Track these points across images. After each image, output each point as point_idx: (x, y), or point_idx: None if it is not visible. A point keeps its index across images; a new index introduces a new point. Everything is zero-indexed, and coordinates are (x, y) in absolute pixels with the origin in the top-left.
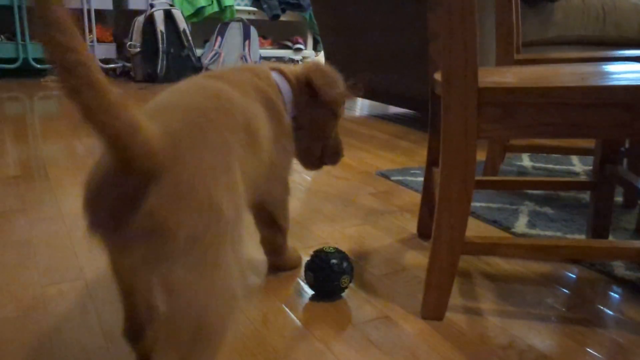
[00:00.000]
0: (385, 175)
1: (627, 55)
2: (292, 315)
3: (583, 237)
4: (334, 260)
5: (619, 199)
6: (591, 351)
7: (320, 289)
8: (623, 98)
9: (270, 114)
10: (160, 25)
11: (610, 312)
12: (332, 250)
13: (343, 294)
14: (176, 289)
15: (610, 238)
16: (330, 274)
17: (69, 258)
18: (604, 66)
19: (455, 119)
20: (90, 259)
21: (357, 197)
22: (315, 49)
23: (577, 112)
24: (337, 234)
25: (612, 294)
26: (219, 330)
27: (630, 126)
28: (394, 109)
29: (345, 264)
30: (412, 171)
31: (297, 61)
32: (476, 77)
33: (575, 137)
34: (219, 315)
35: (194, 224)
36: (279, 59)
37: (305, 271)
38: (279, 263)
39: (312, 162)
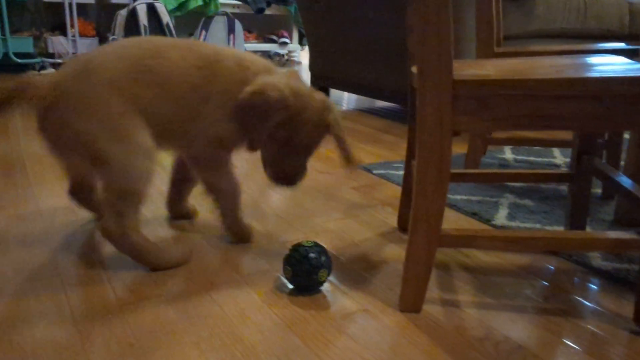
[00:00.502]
0: (367, 169)
1: (606, 48)
2: (270, 311)
3: (562, 228)
4: (312, 254)
5: (598, 190)
6: (567, 342)
7: (298, 282)
8: (595, 90)
9: (208, 82)
10: (143, 19)
11: (587, 303)
12: (311, 244)
13: (322, 288)
14: (103, 175)
15: (588, 229)
16: (308, 268)
17: (45, 254)
18: (582, 59)
19: (430, 112)
20: (67, 255)
21: (339, 191)
22: (300, 42)
23: (551, 104)
24: (318, 229)
25: (589, 284)
26: (135, 191)
27: (603, 118)
28: (380, 103)
29: (323, 258)
30: (394, 165)
31: (283, 55)
32: (450, 69)
33: (549, 129)
34: (131, 182)
35: (84, 132)
36: (265, 53)
37: (284, 265)
38: (225, 230)
39: (278, 175)
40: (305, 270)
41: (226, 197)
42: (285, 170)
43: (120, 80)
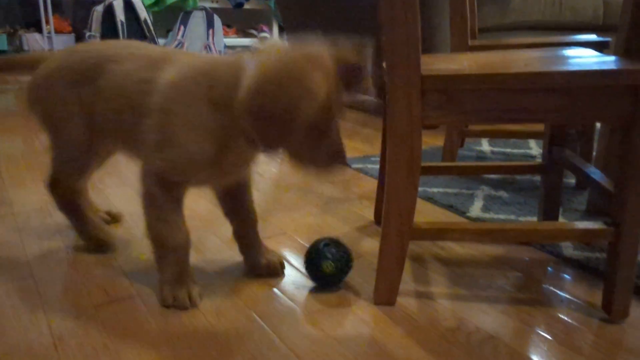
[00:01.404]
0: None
1: (579, 40)
2: (245, 308)
3: (535, 219)
4: (320, 245)
5: (572, 180)
6: (539, 331)
7: (308, 272)
8: (561, 83)
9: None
10: (120, 15)
11: (559, 292)
12: (329, 241)
13: (341, 285)
14: None
15: (562, 219)
16: (313, 258)
17: (19, 257)
18: (553, 52)
19: (400, 107)
20: (41, 258)
21: (317, 185)
22: (281, 36)
23: (518, 98)
24: (295, 224)
25: (561, 274)
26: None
27: (569, 110)
28: (360, 97)
29: (333, 250)
30: (372, 159)
31: None
32: (419, 64)
33: (518, 122)
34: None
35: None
36: (245, 48)
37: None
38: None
39: (323, 160)
40: (310, 260)
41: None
42: (327, 151)
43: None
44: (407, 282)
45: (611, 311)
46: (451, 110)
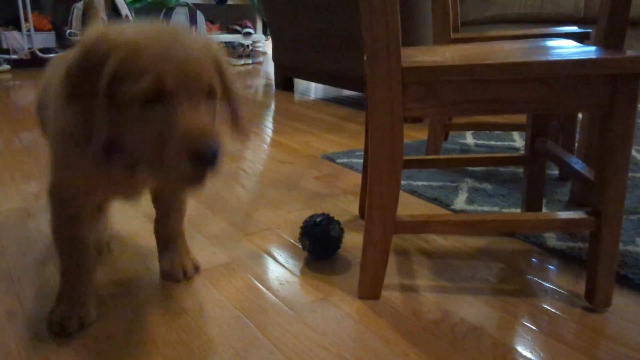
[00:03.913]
0: (330, 158)
1: (560, 32)
2: (229, 304)
3: (519, 210)
4: (319, 216)
5: (555, 171)
6: (522, 321)
7: (313, 241)
8: (541, 73)
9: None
10: (101, 12)
11: (542, 282)
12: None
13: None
14: None
15: (545, 210)
16: (321, 222)
17: None
18: (534, 43)
19: (381, 99)
20: (19, 259)
21: (301, 181)
22: (265, 32)
23: (498, 89)
24: (279, 220)
25: (545, 264)
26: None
27: (549, 100)
28: (347, 92)
29: (331, 218)
30: (357, 153)
31: (247, 46)
32: (399, 56)
33: (499, 113)
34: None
35: None
36: (228, 44)
37: (301, 240)
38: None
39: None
40: (316, 225)
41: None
42: (176, 150)
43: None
44: (391, 275)
45: (594, 300)
46: (432, 102)
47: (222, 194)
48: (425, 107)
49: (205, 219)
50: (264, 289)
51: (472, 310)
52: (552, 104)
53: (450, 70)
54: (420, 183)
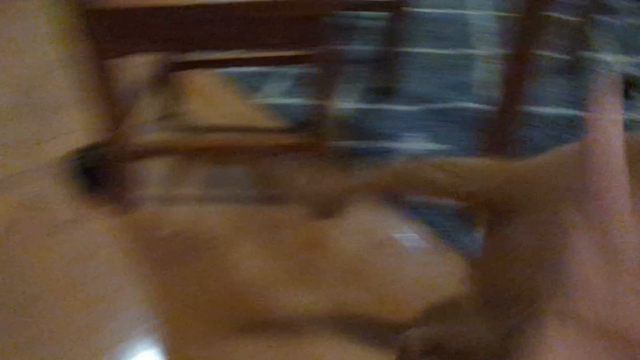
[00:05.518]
0: None
1: None
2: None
3: None
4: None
5: None
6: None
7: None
8: (222, 14)
9: None
10: None
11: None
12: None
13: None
14: None
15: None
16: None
17: None
18: None
19: (81, 44)
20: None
21: None
22: None
23: (195, 28)
24: None
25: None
26: None
27: (250, 38)
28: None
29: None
30: None
31: None
32: None
33: (197, 50)
34: None
35: None
36: None
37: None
38: None
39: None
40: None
41: None
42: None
43: None
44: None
45: None
46: (131, 42)
47: None
48: (124, 47)
49: None
50: (17, 205)
51: (211, 220)
52: (255, 43)
53: (140, 11)
54: None
